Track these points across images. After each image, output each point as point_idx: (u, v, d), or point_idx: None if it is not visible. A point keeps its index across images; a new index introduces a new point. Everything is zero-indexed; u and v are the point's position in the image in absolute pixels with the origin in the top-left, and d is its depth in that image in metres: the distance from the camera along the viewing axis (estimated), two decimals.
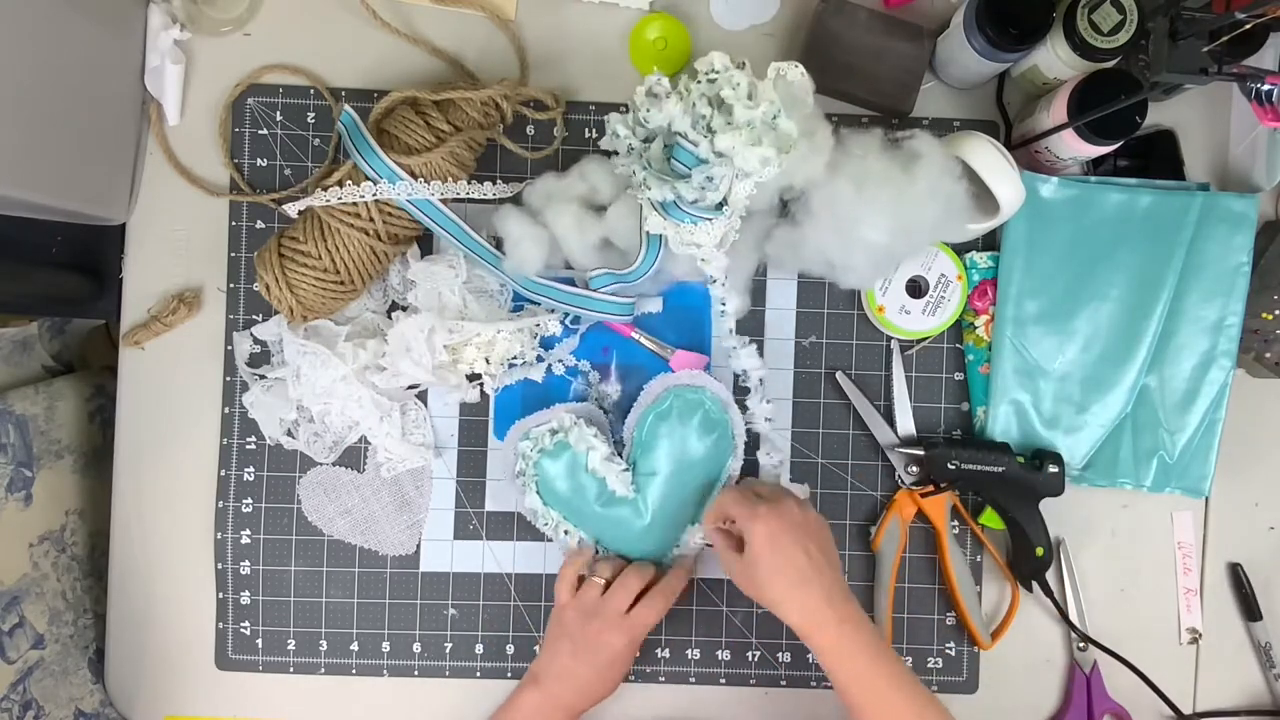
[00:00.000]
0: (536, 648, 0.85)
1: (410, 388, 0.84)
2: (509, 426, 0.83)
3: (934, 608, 0.86)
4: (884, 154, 0.76)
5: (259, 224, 0.85)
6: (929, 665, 0.86)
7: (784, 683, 0.86)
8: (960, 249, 0.84)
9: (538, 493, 0.81)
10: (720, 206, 0.75)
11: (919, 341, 0.85)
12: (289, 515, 0.85)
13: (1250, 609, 0.86)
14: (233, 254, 0.85)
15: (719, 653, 0.86)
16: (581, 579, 0.80)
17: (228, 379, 0.85)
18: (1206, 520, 0.87)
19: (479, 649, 0.85)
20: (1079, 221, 0.82)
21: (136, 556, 0.85)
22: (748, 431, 0.83)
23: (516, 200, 0.82)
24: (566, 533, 0.82)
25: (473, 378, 0.84)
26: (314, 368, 0.80)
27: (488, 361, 0.83)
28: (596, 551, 0.83)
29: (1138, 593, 0.87)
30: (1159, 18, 0.67)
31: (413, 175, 0.77)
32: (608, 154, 0.81)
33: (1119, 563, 0.87)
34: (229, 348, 0.85)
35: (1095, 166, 0.85)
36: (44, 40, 0.70)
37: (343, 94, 0.84)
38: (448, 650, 0.85)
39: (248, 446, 0.85)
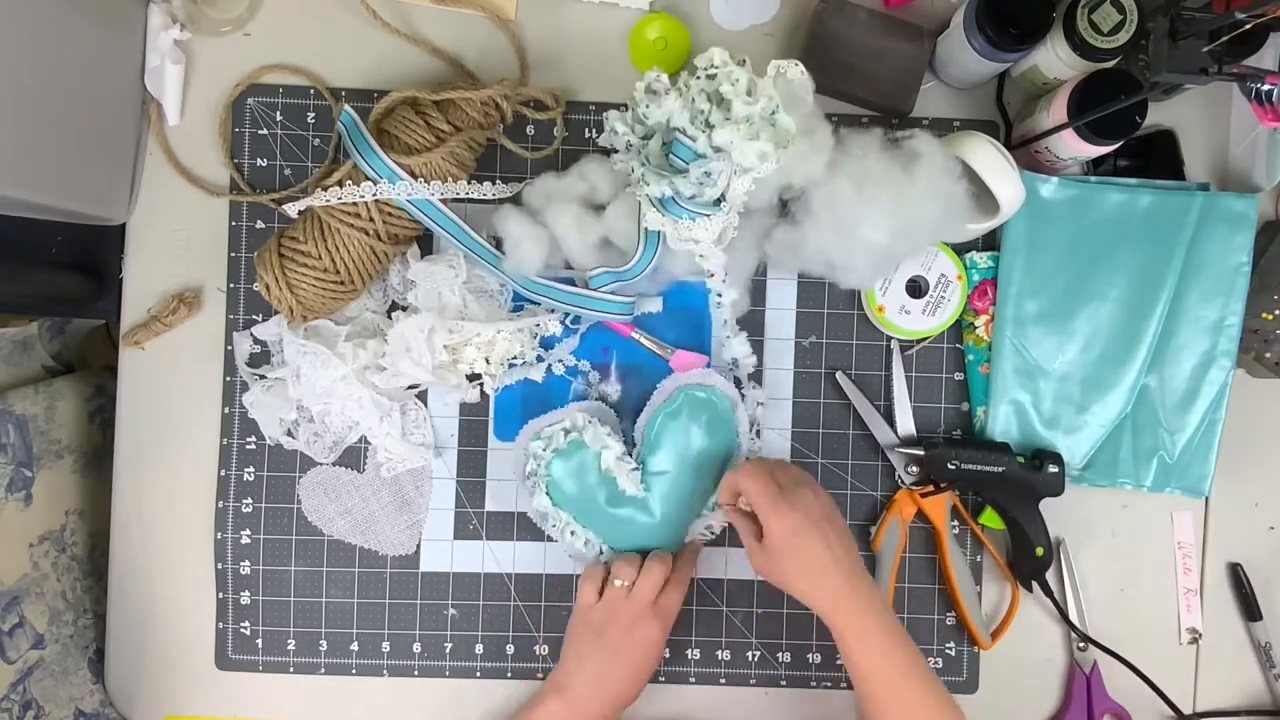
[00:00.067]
0: (536, 648, 0.85)
1: (410, 388, 0.84)
2: (509, 426, 0.83)
3: (934, 608, 0.86)
4: (884, 154, 0.76)
5: (259, 224, 0.85)
6: (929, 665, 0.85)
7: (784, 683, 0.86)
8: (960, 249, 0.84)
9: (547, 493, 0.81)
10: (718, 202, 0.75)
11: (919, 341, 0.85)
12: (289, 515, 0.85)
13: (1250, 609, 0.86)
14: (233, 254, 0.85)
15: (719, 653, 0.86)
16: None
17: (228, 379, 0.85)
18: (1206, 520, 0.87)
19: (479, 649, 0.85)
20: (1079, 221, 0.82)
21: (136, 556, 0.85)
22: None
23: (516, 200, 0.82)
24: (574, 534, 0.82)
25: (473, 378, 0.84)
26: (314, 368, 0.80)
27: (488, 361, 0.83)
28: (600, 552, 0.83)
29: (1138, 593, 0.87)
30: (1159, 18, 0.67)
31: (413, 175, 0.77)
32: (607, 153, 0.81)
33: (1119, 563, 0.87)
34: (229, 348, 0.85)
35: (1095, 166, 0.85)
36: (44, 40, 0.70)
37: (343, 94, 0.84)
38: (448, 650, 0.85)
39: (248, 446, 0.85)
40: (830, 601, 0.71)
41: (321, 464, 0.84)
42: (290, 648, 0.85)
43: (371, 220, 0.77)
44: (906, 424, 0.85)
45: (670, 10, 0.85)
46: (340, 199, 0.76)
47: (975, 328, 0.84)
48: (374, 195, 0.76)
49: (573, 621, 0.80)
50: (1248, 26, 0.63)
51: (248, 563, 0.85)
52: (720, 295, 0.82)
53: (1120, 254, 0.83)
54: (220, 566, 0.84)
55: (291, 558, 0.85)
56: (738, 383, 0.84)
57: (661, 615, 0.77)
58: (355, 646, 0.85)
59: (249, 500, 0.85)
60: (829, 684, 0.86)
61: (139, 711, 0.85)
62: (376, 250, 0.78)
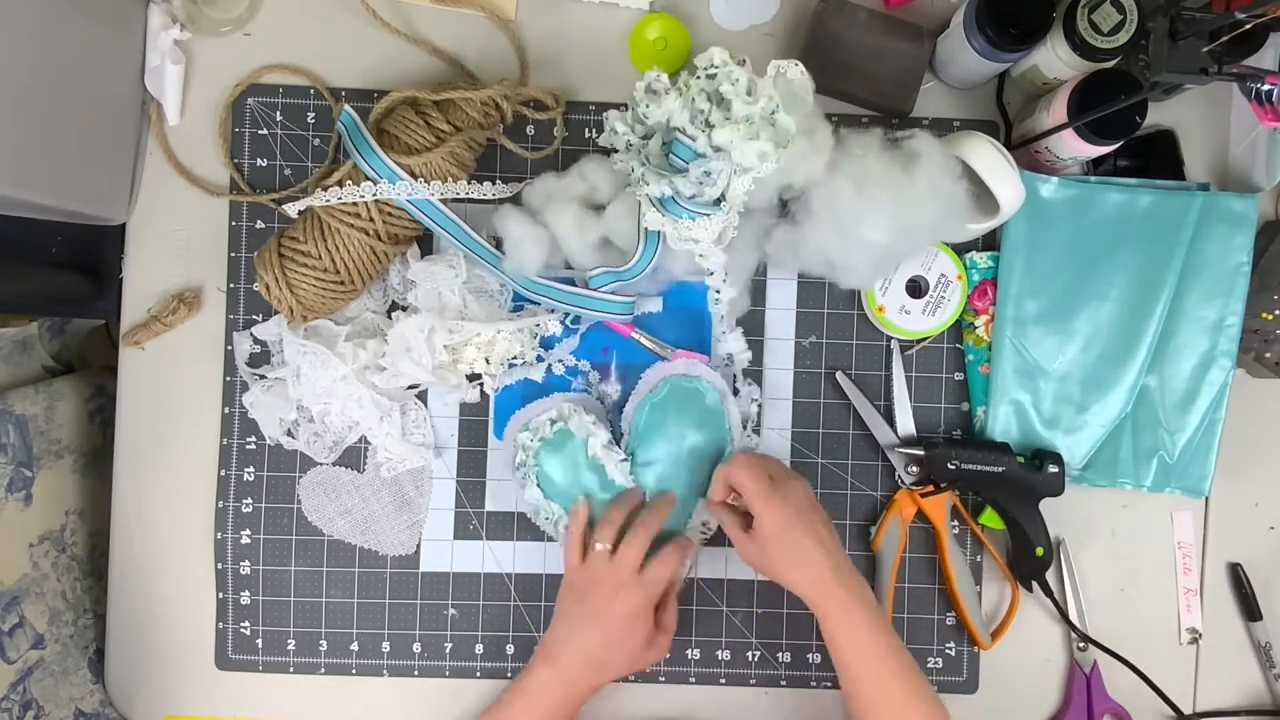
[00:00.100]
0: (537, 648, 0.85)
1: (410, 388, 0.84)
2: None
3: (934, 608, 0.86)
4: (884, 154, 0.76)
5: (259, 224, 0.85)
6: (929, 665, 0.86)
7: (784, 683, 0.86)
8: (960, 249, 0.84)
9: (538, 484, 0.81)
10: (718, 202, 0.75)
11: (919, 341, 0.85)
12: (289, 515, 0.85)
13: (1250, 609, 0.86)
14: (233, 254, 0.85)
15: (719, 653, 0.86)
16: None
17: (228, 379, 0.85)
18: (1206, 520, 0.87)
19: (479, 649, 0.85)
20: (1079, 221, 0.82)
21: (136, 556, 0.85)
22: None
23: (516, 200, 0.82)
24: (567, 527, 0.82)
25: (473, 378, 0.84)
26: (314, 368, 0.80)
27: (488, 361, 0.83)
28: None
29: (1138, 593, 0.87)
30: (1159, 18, 0.67)
31: (413, 175, 0.77)
32: (607, 153, 0.81)
33: (1119, 563, 0.87)
34: (229, 348, 0.85)
35: (1095, 166, 0.85)
36: (44, 40, 0.70)
37: (343, 94, 0.84)
38: (448, 650, 0.85)
39: (248, 446, 0.85)
40: (820, 590, 0.72)
41: (321, 464, 0.84)
42: (290, 648, 0.85)
43: (371, 220, 0.77)
44: (906, 424, 0.85)
45: (670, 10, 0.85)
46: (340, 199, 0.76)
47: (975, 328, 0.84)
48: (374, 195, 0.76)
49: (562, 584, 0.79)
50: (1248, 26, 0.63)
51: (248, 563, 0.85)
52: (719, 292, 0.82)
53: (1120, 254, 0.83)
54: (220, 566, 0.84)
55: (291, 558, 0.85)
56: (733, 379, 0.84)
57: (646, 585, 0.75)
58: (355, 646, 0.85)
59: (249, 500, 0.85)
60: (829, 684, 0.86)
61: (139, 711, 0.85)
62: (376, 250, 0.78)
